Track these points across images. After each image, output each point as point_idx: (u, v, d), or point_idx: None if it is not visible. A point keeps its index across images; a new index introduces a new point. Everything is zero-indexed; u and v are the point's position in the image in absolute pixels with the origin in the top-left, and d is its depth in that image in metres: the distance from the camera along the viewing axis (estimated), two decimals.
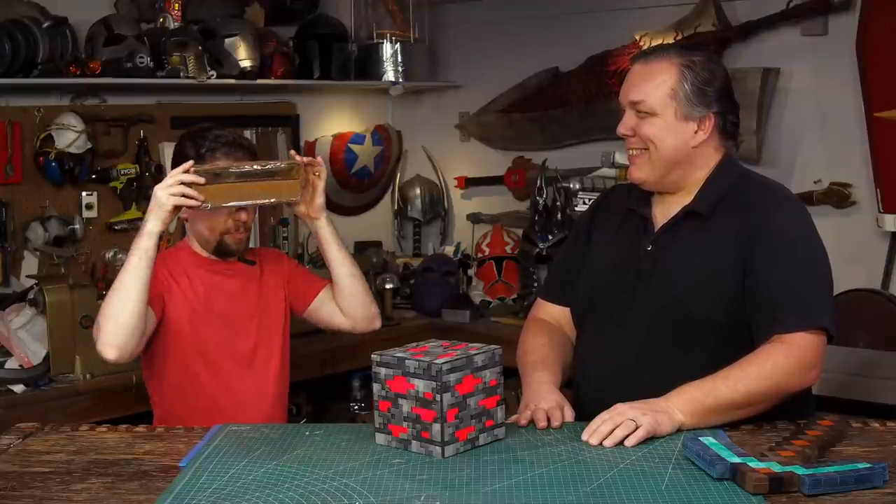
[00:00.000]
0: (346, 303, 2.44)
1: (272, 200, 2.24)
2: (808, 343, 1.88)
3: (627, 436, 1.76)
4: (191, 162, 2.15)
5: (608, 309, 2.07)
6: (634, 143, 2.05)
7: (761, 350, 1.89)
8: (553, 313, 2.25)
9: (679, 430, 1.81)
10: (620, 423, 1.77)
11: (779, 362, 1.86)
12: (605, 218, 2.20)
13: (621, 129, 2.06)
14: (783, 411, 1.91)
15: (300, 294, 2.50)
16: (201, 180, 2.10)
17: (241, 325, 2.40)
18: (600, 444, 1.76)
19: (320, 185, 2.30)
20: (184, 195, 2.09)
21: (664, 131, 2.00)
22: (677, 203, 2.06)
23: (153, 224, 2.12)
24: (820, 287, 1.95)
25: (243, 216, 2.36)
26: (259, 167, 2.16)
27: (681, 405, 1.83)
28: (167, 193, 2.09)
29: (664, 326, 1.98)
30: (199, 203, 2.10)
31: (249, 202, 2.23)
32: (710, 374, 1.86)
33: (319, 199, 2.32)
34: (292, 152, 2.30)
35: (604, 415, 1.81)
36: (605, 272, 2.11)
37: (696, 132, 2.01)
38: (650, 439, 1.77)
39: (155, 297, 2.25)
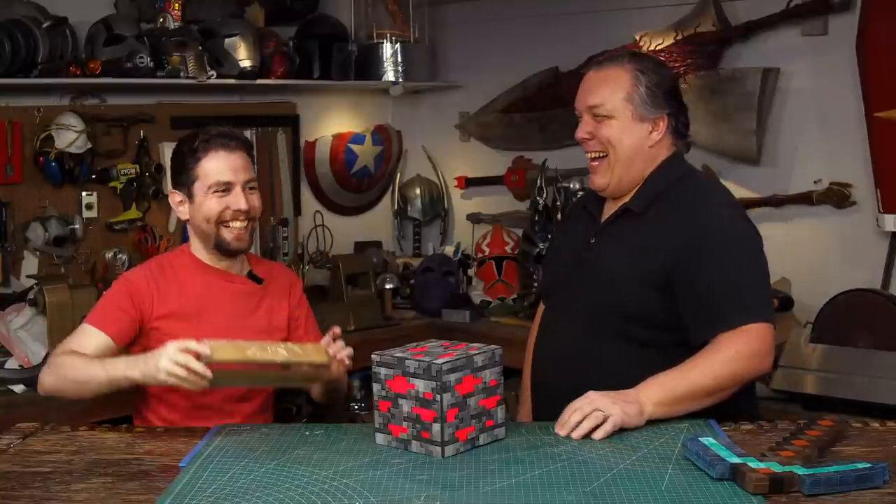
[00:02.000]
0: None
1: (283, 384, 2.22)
2: (760, 332, 1.96)
3: (596, 428, 1.80)
4: (208, 349, 1.87)
5: (558, 299, 2.21)
6: (593, 146, 2.14)
7: (718, 340, 1.95)
8: None
9: (649, 421, 1.85)
10: (589, 412, 1.81)
11: (740, 348, 1.94)
12: (567, 219, 2.37)
13: (580, 134, 2.15)
14: (733, 406, 1.96)
15: (292, 336, 2.33)
16: (208, 374, 1.87)
17: (221, 336, 2.23)
18: (568, 435, 1.80)
19: (342, 371, 2.14)
20: (183, 378, 1.87)
21: (622, 132, 2.10)
22: (620, 200, 2.15)
23: (138, 376, 1.97)
24: (758, 285, 2.03)
25: (243, 205, 2.19)
26: (279, 361, 1.91)
27: (652, 395, 1.88)
28: (167, 369, 1.88)
29: (601, 319, 2.07)
30: (198, 387, 1.90)
31: (259, 385, 2.22)
32: (651, 363, 1.94)
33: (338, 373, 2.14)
34: (326, 341, 2.07)
35: (574, 404, 1.86)
36: (557, 265, 2.27)
37: (650, 132, 2.11)
38: (650, 439, 1.78)
39: (125, 327, 2.19)
